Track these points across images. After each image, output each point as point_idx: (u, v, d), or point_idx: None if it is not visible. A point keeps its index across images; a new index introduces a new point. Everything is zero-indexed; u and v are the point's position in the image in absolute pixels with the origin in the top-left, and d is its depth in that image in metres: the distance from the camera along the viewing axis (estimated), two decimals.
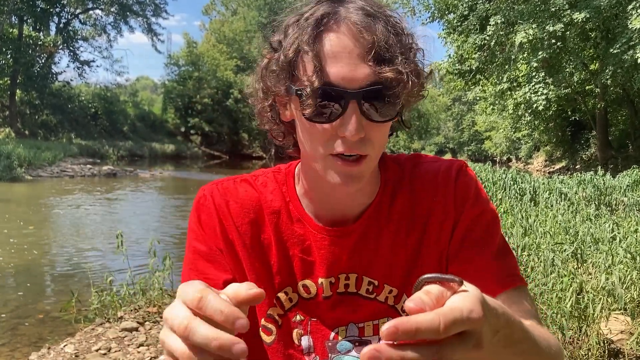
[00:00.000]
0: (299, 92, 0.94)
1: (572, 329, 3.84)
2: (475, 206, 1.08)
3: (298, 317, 1.10)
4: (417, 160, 1.16)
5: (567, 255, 5.25)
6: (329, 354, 1.10)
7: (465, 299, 0.64)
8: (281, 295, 1.10)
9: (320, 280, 1.09)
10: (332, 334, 1.09)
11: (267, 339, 1.11)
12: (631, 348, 3.81)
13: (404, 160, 1.16)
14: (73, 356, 4.30)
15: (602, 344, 3.72)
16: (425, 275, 0.68)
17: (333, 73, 0.91)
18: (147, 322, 5.01)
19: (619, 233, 6.18)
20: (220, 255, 1.10)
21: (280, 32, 1.00)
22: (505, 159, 52.19)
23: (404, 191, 1.11)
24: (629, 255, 5.00)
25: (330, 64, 0.92)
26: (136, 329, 4.82)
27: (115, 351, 4.37)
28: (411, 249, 1.09)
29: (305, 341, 1.10)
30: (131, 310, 5.33)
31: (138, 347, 4.44)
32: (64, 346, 4.52)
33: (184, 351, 0.61)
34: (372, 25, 0.92)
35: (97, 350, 4.38)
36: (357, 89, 0.91)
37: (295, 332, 1.10)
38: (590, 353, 3.67)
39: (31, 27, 39.47)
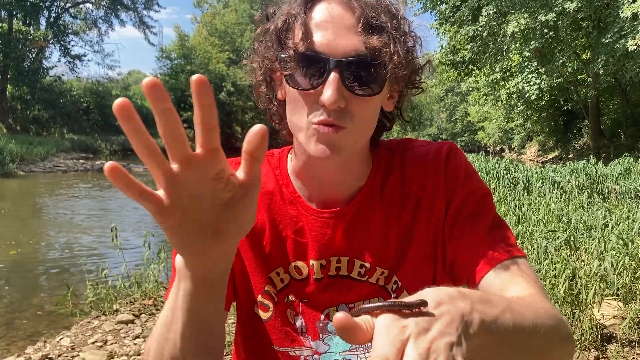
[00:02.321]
0: (282, 56, 0.96)
1: (565, 315, 3.87)
2: (466, 185, 1.09)
3: (290, 298, 1.11)
4: (407, 144, 1.17)
5: (560, 242, 5.29)
6: (320, 334, 1.10)
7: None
8: (273, 275, 1.11)
9: (311, 262, 1.10)
10: (323, 315, 1.10)
11: (264, 315, 1.12)
12: (624, 332, 3.85)
13: (395, 145, 1.17)
14: (69, 349, 4.29)
15: (595, 329, 3.76)
16: (387, 302, 0.63)
17: (318, 40, 0.93)
18: (142, 315, 5.01)
19: (611, 220, 6.23)
20: None
21: (274, 5, 1.03)
22: (498, 149, 52.35)
23: (395, 174, 1.12)
24: (620, 242, 5.04)
25: (317, 32, 0.93)
26: (132, 322, 4.82)
27: (112, 343, 4.37)
28: (402, 231, 1.10)
29: (299, 321, 1.11)
30: (127, 303, 5.33)
31: (134, 339, 4.44)
32: (60, 339, 4.52)
33: None
34: None
35: (93, 343, 4.38)
36: (340, 57, 0.92)
37: (288, 312, 1.11)
38: (583, 338, 3.71)
39: (21, 22, 39.12)
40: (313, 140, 0.98)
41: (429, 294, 0.66)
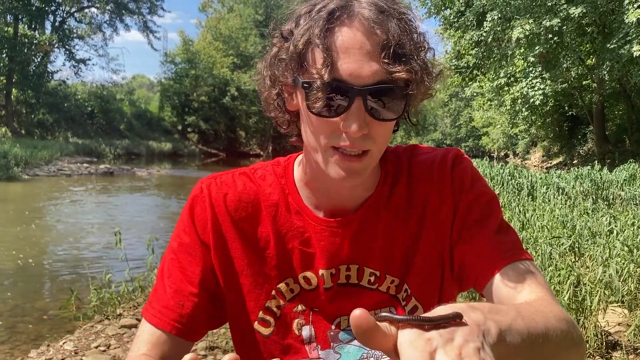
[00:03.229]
0: (305, 85, 0.94)
1: None
2: (473, 190, 1.09)
3: (300, 307, 1.10)
4: (414, 151, 1.17)
5: (565, 248, 5.27)
6: (331, 343, 1.10)
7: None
8: (282, 286, 1.10)
9: (320, 271, 1.09)
10: (334, 324, 1.10)
11: (264, 331, 1.11)
12: (628, 340, 3.83)
13: (402, 152, 1.17)
14: (72, 353, 4.30)
15: (599, 336, 3.74)
16: (424, 315, 0.64)
17: (342, 68, 0.91)
18: None
19: (616, 226, 6.21)
20: (202, 250, 1.10)
21: (291, 22, 1.00)
22: (502, 154, 52.31)
23: (401, 182, 1.12)
24: (626, 248, 5.02)
25: (340, 59, 0.91)
26: (135, 326, 4.82)
27: (115, 348, 4.37)
28: (409, 239, 1.10)
29: (307, 331, 1.10)
30: (130, 308, 5.33)
31: None
32: (64, 343, 4.52)
33: None
34: (385, 22, 0.92)
35: (96, 347, 4.38)
36: (364, 86, 0.91)
37: (296, 322, 1.10)
38: (588, 345, 3.69)
39: (26, 26, 39.34)
40: (332, 163, 0.98)
41: (443, 311, 0.66)
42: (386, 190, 1.12)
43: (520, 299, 0.95)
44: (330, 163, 0.98)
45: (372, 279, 1.09)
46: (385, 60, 0.91)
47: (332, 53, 0.91)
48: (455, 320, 0.63)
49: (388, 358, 1.10)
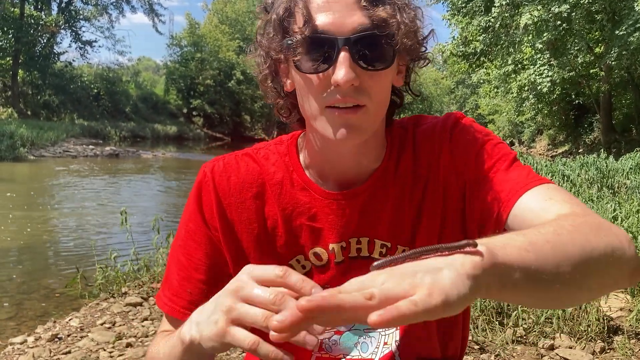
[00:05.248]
0: (289, 43, 0.94)
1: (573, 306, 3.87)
2: (475, 144, 1.07)
3: None
4: (418, 120, 1.17)
5: None
6: None
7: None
8: (293, 263, 1.11)
9: (331, 246, 1.09)
10: None
11: None
12: (630, 325, 3.85)
13: (407, 122, 1.17)
14: (78, 329, 4.35)
15: (601, 321, 3.76)
16: (439, 245, 0.65)
17: (322, 21, 0.91)
18: (151, 298, 5.05)
19: (620, 213, 6.19)
20: (208, 236, 1.11)
21: None
22: (508, 142, 51.77)
23: (407, 152, 1.12)
24: (630, 235, 5.01)
25: (321, 13, 0.91)
26: (140, 304, 4.86)
27: (120, 325, 4.41)
28: (416, 207, 1.10)
29: None
30: (135, 286, 5.37)
31: (142, 322, 4.48)
32: (69, 320, 4.57)
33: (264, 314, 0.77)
34: None
35: (102, 324, 4.42)
36: (348, 34, 0.91)
37: None
38: (590, 329, 3.71)
39: (32, 7, 39.19)
40: (329, 124, 0.97)
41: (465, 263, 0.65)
42: (393, 162, 1.11)
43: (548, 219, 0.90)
44: (328, 123, 0.97)
45: (384, 250, 1.09)
46: (364, 4, 0.91)
47: (313, 9, 0.92)
48: (470, 247, 0.63)
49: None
